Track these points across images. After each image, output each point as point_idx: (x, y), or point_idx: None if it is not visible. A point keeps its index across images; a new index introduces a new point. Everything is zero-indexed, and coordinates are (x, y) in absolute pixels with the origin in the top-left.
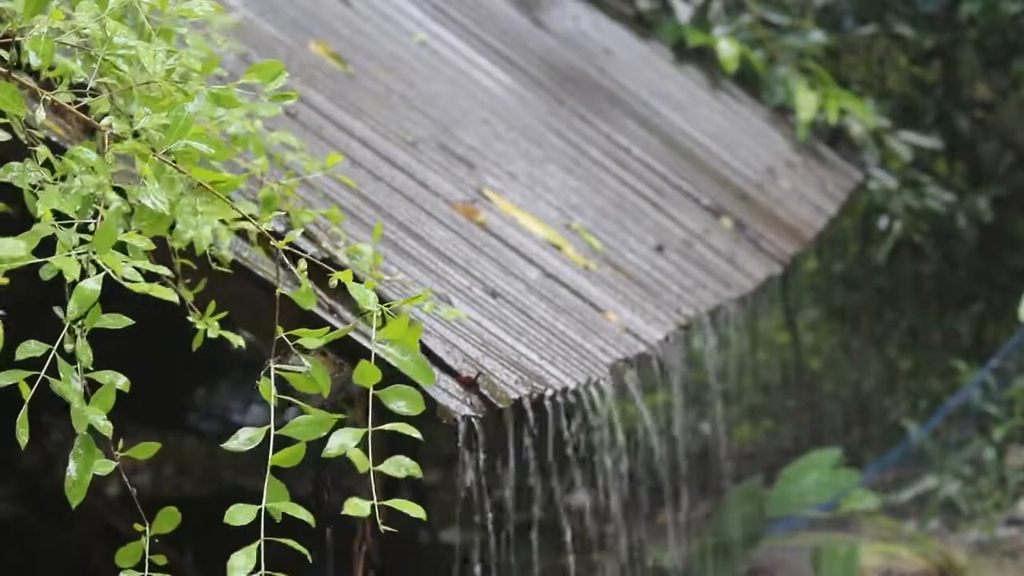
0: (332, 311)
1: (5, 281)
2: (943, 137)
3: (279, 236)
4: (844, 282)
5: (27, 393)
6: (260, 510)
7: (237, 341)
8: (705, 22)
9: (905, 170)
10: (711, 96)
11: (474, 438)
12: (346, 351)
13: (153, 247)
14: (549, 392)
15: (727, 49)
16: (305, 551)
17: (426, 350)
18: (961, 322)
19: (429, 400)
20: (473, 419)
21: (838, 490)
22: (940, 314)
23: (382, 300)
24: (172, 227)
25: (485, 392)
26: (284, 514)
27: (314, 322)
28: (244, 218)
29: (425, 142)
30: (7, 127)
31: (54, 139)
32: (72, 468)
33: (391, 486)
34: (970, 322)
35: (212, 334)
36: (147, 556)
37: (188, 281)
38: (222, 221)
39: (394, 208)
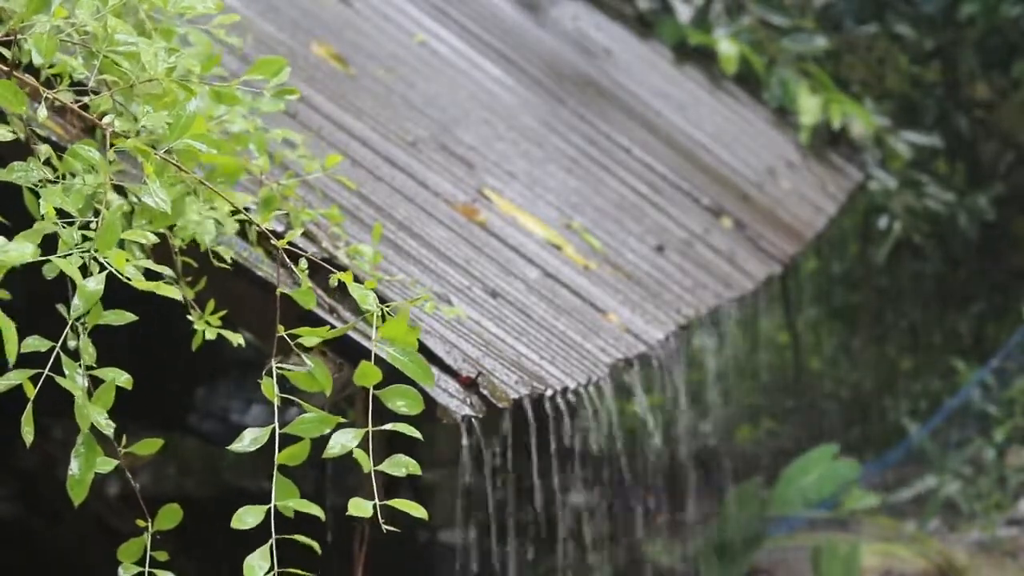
0: (332, 311)
1: (7, 296)
2: (943, 137)
3: (279, 236)
4: (844, 282)
5: (31, 392)
6: (269, 509)
7: (236, 339)
8: (706, 23)
9: (905, 170)
10: (711, 96)
11: (474, 437)
12: (346, 351)
13: (157, 240)
14: (549, 392)
15: (727, 49)
16: (316, 544)
17: (426, 350)
18: (961, 322)
19: (429, 400)
20: (473, 419)
21: (839, 482)
22: (940, 314)
23: (382, 300)
24: (173, 227)
25: (485, 392)
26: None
27: (314, 322)
28: (246, 220)
29: (425, 142)
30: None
31: (54, 138)
32: (74, 466)
33: (391, 485)
34: (970, 322)
35: (210, 335)
36: (148, 553)
37: (189, 279)
38: (223, 217)
39: (394, 208)
